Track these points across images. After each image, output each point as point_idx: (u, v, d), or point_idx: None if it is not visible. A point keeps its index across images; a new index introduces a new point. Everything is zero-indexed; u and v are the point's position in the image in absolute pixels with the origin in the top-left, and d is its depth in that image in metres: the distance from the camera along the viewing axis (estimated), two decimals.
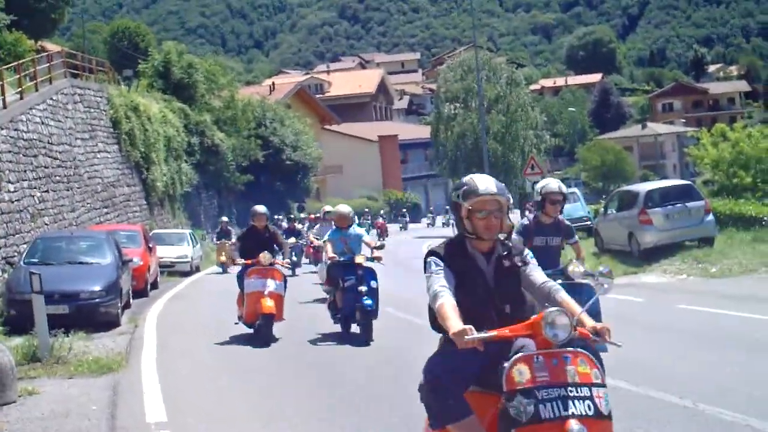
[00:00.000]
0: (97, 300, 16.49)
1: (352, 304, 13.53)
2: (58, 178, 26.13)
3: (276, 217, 37.17)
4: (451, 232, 55.13)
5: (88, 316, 16.04)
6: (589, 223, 32.15)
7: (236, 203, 53.09)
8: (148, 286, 23.21)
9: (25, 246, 19.63)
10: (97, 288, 16.66)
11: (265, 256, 13.75)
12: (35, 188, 23.39)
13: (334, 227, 14.58)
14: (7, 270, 18.69)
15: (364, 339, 13.30)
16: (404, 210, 71.43)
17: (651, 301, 17.72)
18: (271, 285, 13.70)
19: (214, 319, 18.08)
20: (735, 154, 42.81)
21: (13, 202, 21.05)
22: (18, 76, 25.54)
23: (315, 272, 22.69)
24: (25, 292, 13.90)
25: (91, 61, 38.58)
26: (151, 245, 24.96)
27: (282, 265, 14.53)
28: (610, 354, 10.77)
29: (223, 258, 29.63)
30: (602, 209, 28.44)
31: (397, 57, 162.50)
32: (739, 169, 42.06)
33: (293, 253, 25.98)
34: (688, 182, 29.14)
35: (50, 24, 45.64)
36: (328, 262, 13.88)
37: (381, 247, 14.24)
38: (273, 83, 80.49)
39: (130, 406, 9.61)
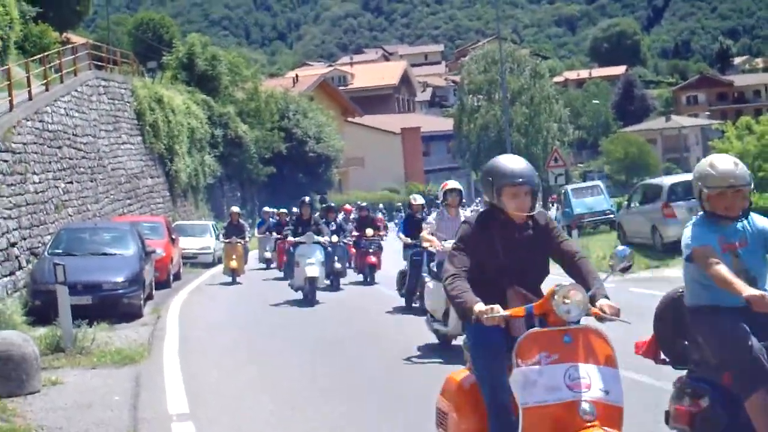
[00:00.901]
0: (120, 291, 16.58)
1: None
2: (82, 169, 26.26)
3: (268, 209, 30.82)
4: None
5: (111, 306, 16.12)
6: (612, 216, 32.03)
7: (259, 195, 53.25)
8: (171, 278, 23.30)
9: (49, 237, 19.75)
10: (120, 279, 16.75)
11: (572, 296, 5.20)
12: (59, 179, 23.51)
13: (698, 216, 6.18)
14: (31, 261, 18.82)
15: None
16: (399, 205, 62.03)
17: None
18: (593, 381, 5.07)
19: (237, 310, 18.14)
20: (760, 147, 42.58)
21: (37, 193, 21.18)
22: (43, 68, 25.67)
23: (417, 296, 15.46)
24: (49, 283, 14.01)
25: (115, 53, 38.73)
26: (174, 237, 25.05)
27: (605, 317, 5.26)
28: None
29: (233, 264, 23.71)
30: (625, 202, 28.32)
31: (420, 49, 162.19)
32: (765, 162, 41.82)
33: (336, 258, 20.57)
34: None
35: (75, 16, 45.84)
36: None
37: None
38: (296, 75, 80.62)
39: (152, 398, 9.65)
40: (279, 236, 24.36)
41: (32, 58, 27.19)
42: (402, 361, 11.30)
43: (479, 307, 5.16)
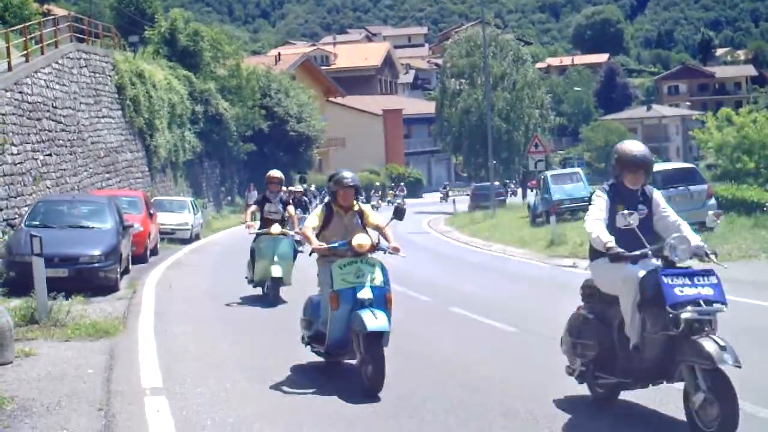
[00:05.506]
0: (96, 264, 16.52)
1: None
2: (61, 142, 26.13)
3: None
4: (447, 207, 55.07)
5: (87, 280, 16.07)
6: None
7: (238, 173, 53.13)
8: (148, 252, 23.24)
9: (26, 209, 19.66)
10: (96, 252, 16.68)
11: None
12: (38, 151, 23.40)
13: None
14: (7, 232, 18.73)
15: None
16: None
17: None
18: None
19: (213, 286, 18.14)
20: (739, 138, 42.82)
21: (16, 164, 21.07)
22: (24, 39, 25.48)
23: None
24: (26, 255, 13.94)
25: (97, 26, 38.48)
26: (152, 212, 24.98)
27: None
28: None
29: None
30: None
31: (404, 31, 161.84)
32: (743, 154, 42.10)
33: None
34: (692, 165, 29.13)
35: None
36: None
37: None
38: (279, 54, 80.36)
39: (126, 371, 9.66)
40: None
41: (12, 29, 26.95)
42: None
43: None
